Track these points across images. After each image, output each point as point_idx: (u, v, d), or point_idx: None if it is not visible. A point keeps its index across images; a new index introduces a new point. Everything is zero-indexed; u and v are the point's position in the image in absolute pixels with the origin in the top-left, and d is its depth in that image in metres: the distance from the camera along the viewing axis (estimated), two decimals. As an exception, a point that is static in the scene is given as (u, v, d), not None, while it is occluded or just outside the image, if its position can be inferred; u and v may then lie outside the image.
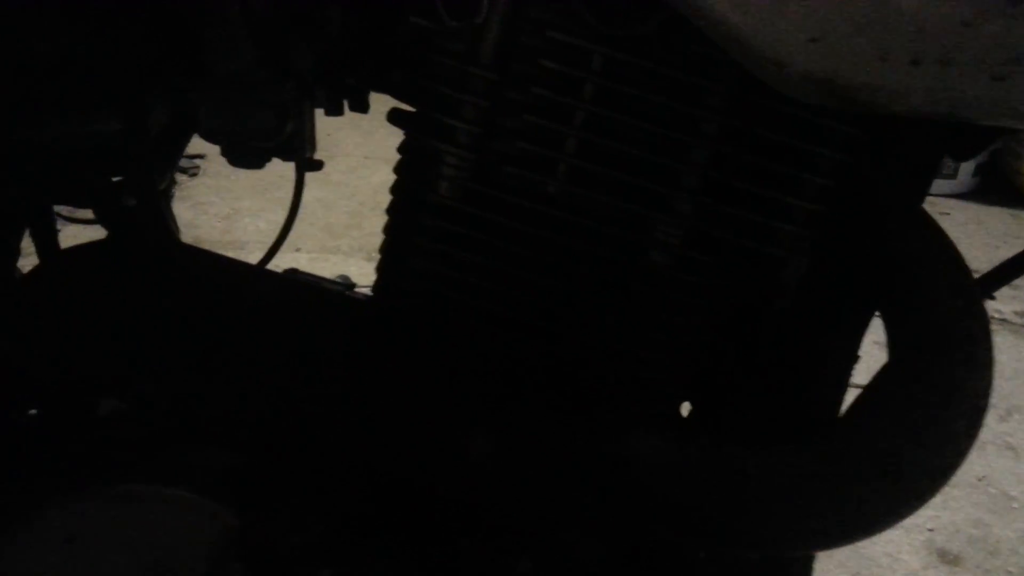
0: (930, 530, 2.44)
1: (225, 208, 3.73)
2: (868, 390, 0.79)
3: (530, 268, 0.76)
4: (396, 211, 0.83)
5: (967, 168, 4.00)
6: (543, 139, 0.73)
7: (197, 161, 3.83)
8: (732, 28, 0.48)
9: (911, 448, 0.66)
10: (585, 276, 0.76)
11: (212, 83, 0.87)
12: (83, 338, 0.83)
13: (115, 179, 1.06)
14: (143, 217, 0.87)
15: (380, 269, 0.86)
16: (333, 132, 4.36)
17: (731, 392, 0.90)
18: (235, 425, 0.76)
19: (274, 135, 0.91)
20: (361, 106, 0.96)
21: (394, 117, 0.81)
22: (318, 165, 1.05)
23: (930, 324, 0.69)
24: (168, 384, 0.78)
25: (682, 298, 0.77)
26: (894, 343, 0.77)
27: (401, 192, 0.82)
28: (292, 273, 0.87)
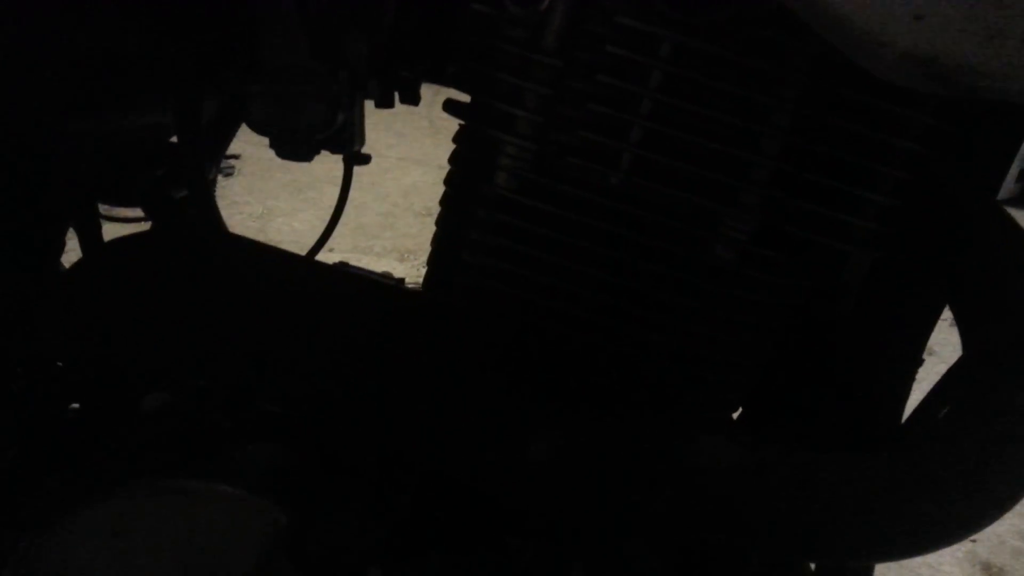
0: (973, 541, 2.38)
1: (259, 208, 3.75)
2: (939, 393, 0.75)
3: (589, 263, 0.74)
4: (450, 203, 0.81)
5: (1011, 173, 3.92)
6: (607, 129, 0.70)
7: (232, 161, 3.85)
8: (832, 5, 0.45)
9: (997, 456, 0.62)
10: (646, 272, 0.73)
11: (265, 76, 0.85)
12: (132, 329, 0.81)
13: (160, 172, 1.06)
14: (194, 207, 0.85)
15: (432, 263, 0.84)
16: (367, 133, 4.35)
17: (790, 396, 0.87)
18: (287, 420, 0.74)
19: (325, 127, 0.90)
20: (413, 98, 0.94)
21: (451, 106, 0.79)
22: (366, 159, 1.04)
23: (1016, 323, 0.65)
24: (220, 377, 0.76)
25: (747, 296, 0.74)
26: (970, 342, 0.73)
27: (456, 184, 0.80)
28: (342, 267, 0.85)
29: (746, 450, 0.62)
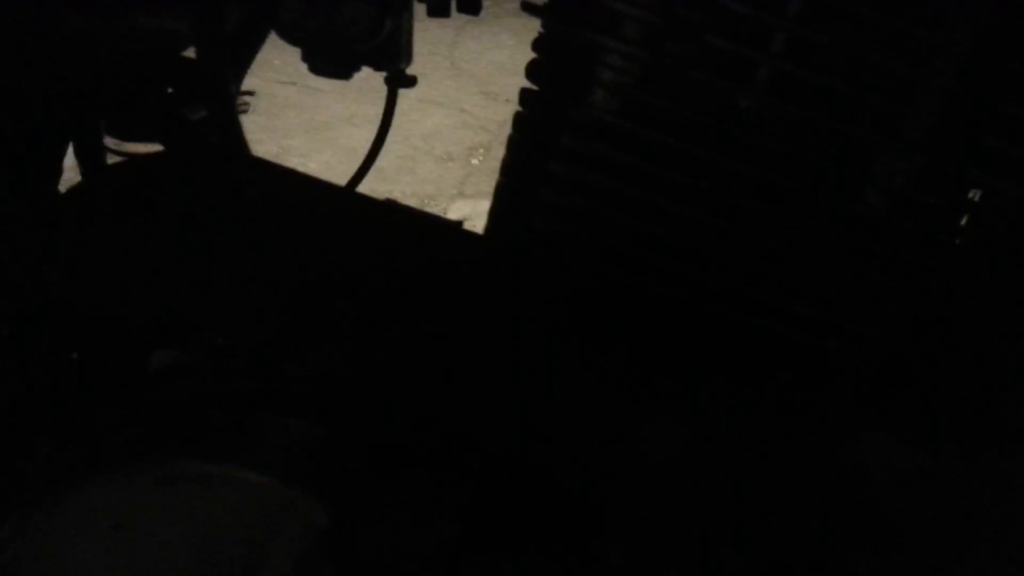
0: None
1: (274, 147, 3.58)
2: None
3: (704, 207, 0.59)
4: (526, 128, 0.66)
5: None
6: (741, 35, 0.55)
7: (246, 98, 3.67)
8: None
9: None
10: (775, 219, 0.59)
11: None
12: (138, 270, 0.67)
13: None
14: (217, 127, 0.70)
15: (498, 202, 0.70)
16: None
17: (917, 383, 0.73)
18: (327, 391, 0.61)
19: (370, 35, 0.74)
20: (472, 5, 0.78)
21: (533, 6, 0.63)
22: (411, 80, 0.88)
23: None
24: (244, 333, 0.63)
25: (900, 254, 0.60)
26: None
27: (534, 103, 0.65)
28: (391, 204, 0.71)
29: (921, 452, 0.47)
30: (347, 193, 0.69)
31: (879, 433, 0.49)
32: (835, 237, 0.59)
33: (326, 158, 3.46)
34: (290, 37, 0.76)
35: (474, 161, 3.57)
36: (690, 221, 0.59)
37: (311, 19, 0.73)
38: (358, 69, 0.80)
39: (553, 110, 0.62)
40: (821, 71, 0.55)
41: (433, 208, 3.17)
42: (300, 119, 3.74)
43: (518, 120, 0.67)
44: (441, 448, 0.56)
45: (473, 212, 3.20)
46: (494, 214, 0.69)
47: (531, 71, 0.65)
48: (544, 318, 0.57)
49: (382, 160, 3.64)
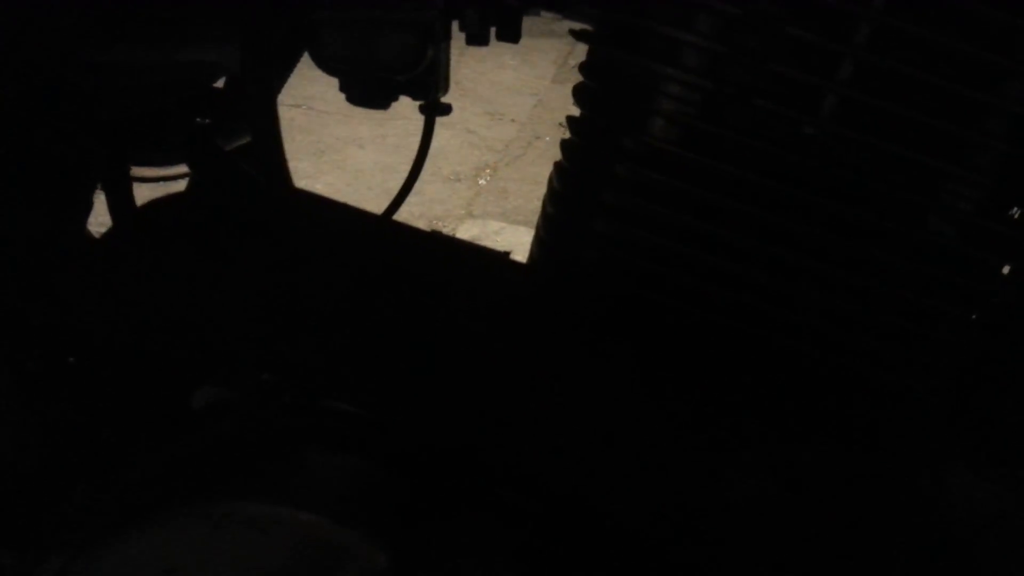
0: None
1: (281, 170, 3.57)
2: None
3: (767, 236, 0.58)
4: (576, 157, 0.65)
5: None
6: (807, 62, 0.54)
7: (252, 121, 3.66)
8: None
9: None
10: (841, 249, 0.57)
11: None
12: (179, 307, 0.66)
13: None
14: (261, 159, 0.69)
15: (547, 232, 0.68)
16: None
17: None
18: (382, 427, 0.59)
19: (410, 65, 0.73)
20: (512, 33, 0.77)
21: (583, 33, 0.62)
22: (447, 109, 0.87)
23: None
24: (291, 368, 0.61)
25: (966, 283, 0.58)
26: None
27: (586, 132, 0.64)
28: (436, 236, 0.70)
29: (1004, 491, 0.46)
30: (393, 224, 0.67)
31: (961, 471, 0.47)
32: (902, 266, 0.58)
33: (332, 180, 3.45)
34: (328, 67, 0.75)
35: (481, 181, 3.57)
36: (752, 250, 0.58)
37: (351, 50, 0.72)
38: (396, 99, 0.79)
39: (607, 138, 0.61)
40: (888, 97, 0.54)
41: (441, 229, 3.16)
42: (306, 141, 3.73)
43: (568, 148, 0.66)
44: (503, 489, 0.55)
45: (482, 233, 3.18)
46: (542, 245, 0.68)
47: (581, 97, 0.64)
48: (608, 356, 0.55)
49: (389, 182, 3.62)
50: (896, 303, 0.58)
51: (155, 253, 0.72)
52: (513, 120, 4.16)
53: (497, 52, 4.80)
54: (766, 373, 0.57)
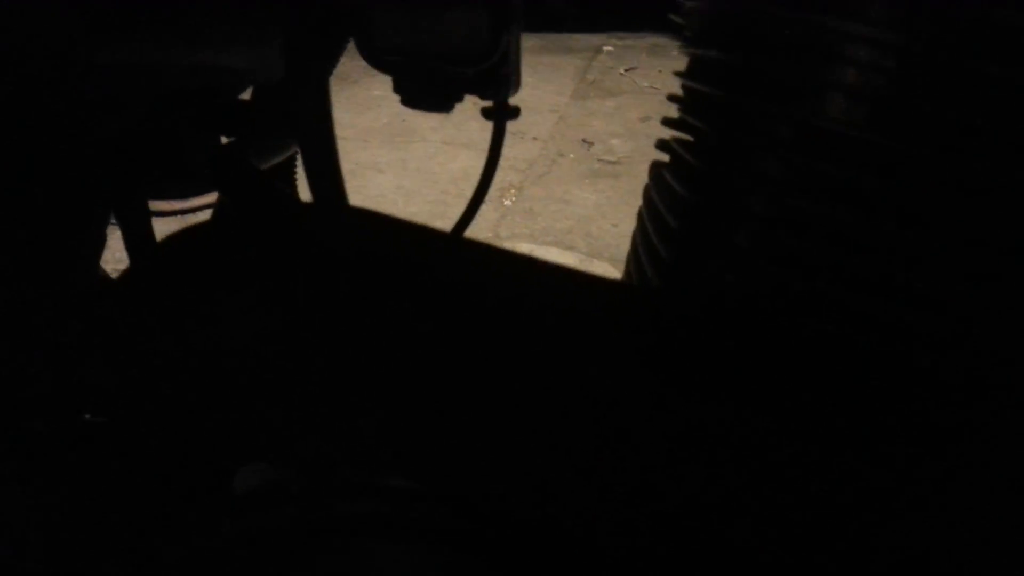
0: None
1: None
2: None
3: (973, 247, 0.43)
4: (716, 153, 0.51)
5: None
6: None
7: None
8: None
9: None
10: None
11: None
12: (213, 366, 0.53)
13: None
14: (314, 172, 0.55)
15: (674, 249, 0.54)
16: (408, 118, 4.06)
17: None
18: (465, 510, 0.45)
19: (484, 55, 0.60)
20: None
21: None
22: (515, 111, 0.74)
23: None
24: (356, 435, 0.47)
25: None
26: None
27: (726, 119, 0.50)
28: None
29: None
30: (475, 246, 0.53)
31: None
32: None
33: (353, 204, 3.34)
34: (379, 62, 0.62)
35: (507, 202, 3.44)
36: (954, 267, 0.44)
37: (410, 37, 0.59)
38: (460, 99, 0.66)
39: (759, 125, 0.47)
40: None
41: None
42: (325, 169, 3.63)
43: (694, 147, 0.52)
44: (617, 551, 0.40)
45: (511, 256, 3.05)
46: (670, 266, 0.54)
47: (707, 75, 0.50)
48: (760, 417, 0.41)
49: (411, 207, 3.50)
50: None
51: (181, 295, 0.58)
52: (535, 138, 4.04)
53: (513, 70, 4.71)
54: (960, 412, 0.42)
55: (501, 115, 0.69)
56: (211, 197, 0.85)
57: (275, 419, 0.54)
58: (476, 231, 3.19)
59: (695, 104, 0.55)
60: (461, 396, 0.47)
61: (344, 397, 0.51)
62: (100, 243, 0.75)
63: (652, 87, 4.65)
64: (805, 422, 0.45)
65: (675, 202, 0.53)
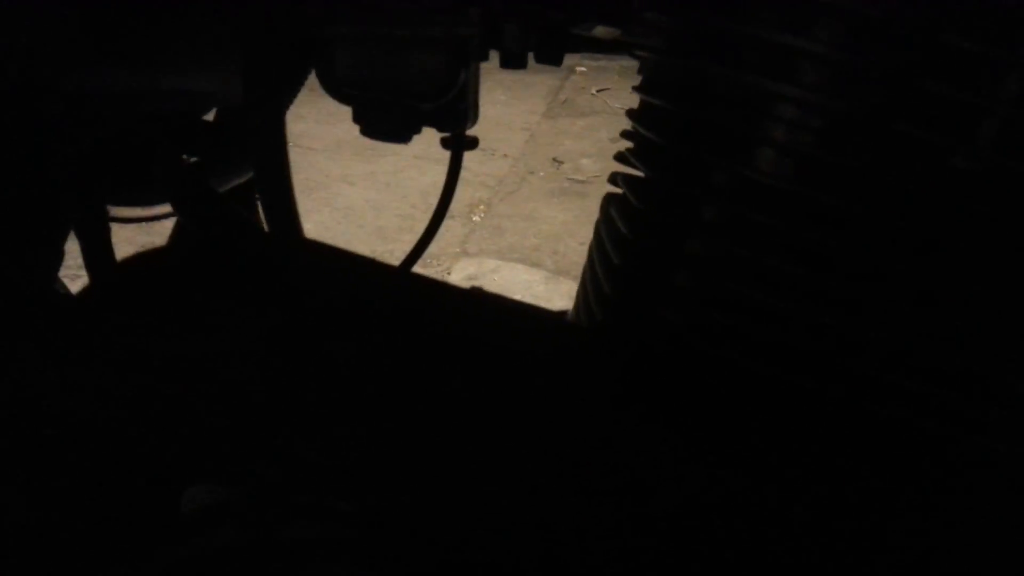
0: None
1: (267, 210, 3.45)
2: None
3: (909, 291, 0.46)
4: (654, 198, 0.53)
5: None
6: (962, 77, 0.43)
7: (237, 159, 3.55)
8: None
9: None
10: (997, 302, 0.46)
11: (362, 11, 0.58)
12: (165, 385, 0.54)
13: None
14: (268, 201, 0.57)
15: (615, 287, 0.57)
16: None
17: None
18: (413, 531, 0.47)
19: (441, 91, 0.62)
20: (555, 53, 0.66)
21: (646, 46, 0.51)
22: (473, 142, 0.75)
23: None
24: (304, 462, 0.49)
25: None
26: None
27: (664, 167, 0.52)
28: (477, 292, 0.58)
29: None
30: (425, 282, 0.55)
31: None
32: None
33: (322, 218, 3.34)
34: (339, 93, 0.63)
35: (475, 218, 3.46)
36: (889, 307, 0.46)
37: (369, 72, 0.61)
38: (418, 131, 0.68)
39: (695, 174, 0.49)
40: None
41: (436, 268, 3.04)
42: (295, 180, 3.62)
43: (638, 187, 0.54)
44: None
45: (478, 271, 3.07)
46: (610, 305, 0.56)
47: (648, 121, 0.52)
48: (704, 453, 0.43)
49: (380, 219, 3.49)
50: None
51: (138, 316, 0.60)
52: (505, 155, 4.07)
53: (487, 87, 4.73)
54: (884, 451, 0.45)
55: (459, 146, 0.71)
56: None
57: (224, 443, 0.55)
58: (443, 246, 3.20)
59: (639, 148, 0.57)
60: (402, 429, 0.48)
61: (288, 424, 0.52)
62: (57, 257, 0.76)
63: (624, 108, 4.71)
64: (742, 458, 0.47)
65: (620, 241, 0.56)
